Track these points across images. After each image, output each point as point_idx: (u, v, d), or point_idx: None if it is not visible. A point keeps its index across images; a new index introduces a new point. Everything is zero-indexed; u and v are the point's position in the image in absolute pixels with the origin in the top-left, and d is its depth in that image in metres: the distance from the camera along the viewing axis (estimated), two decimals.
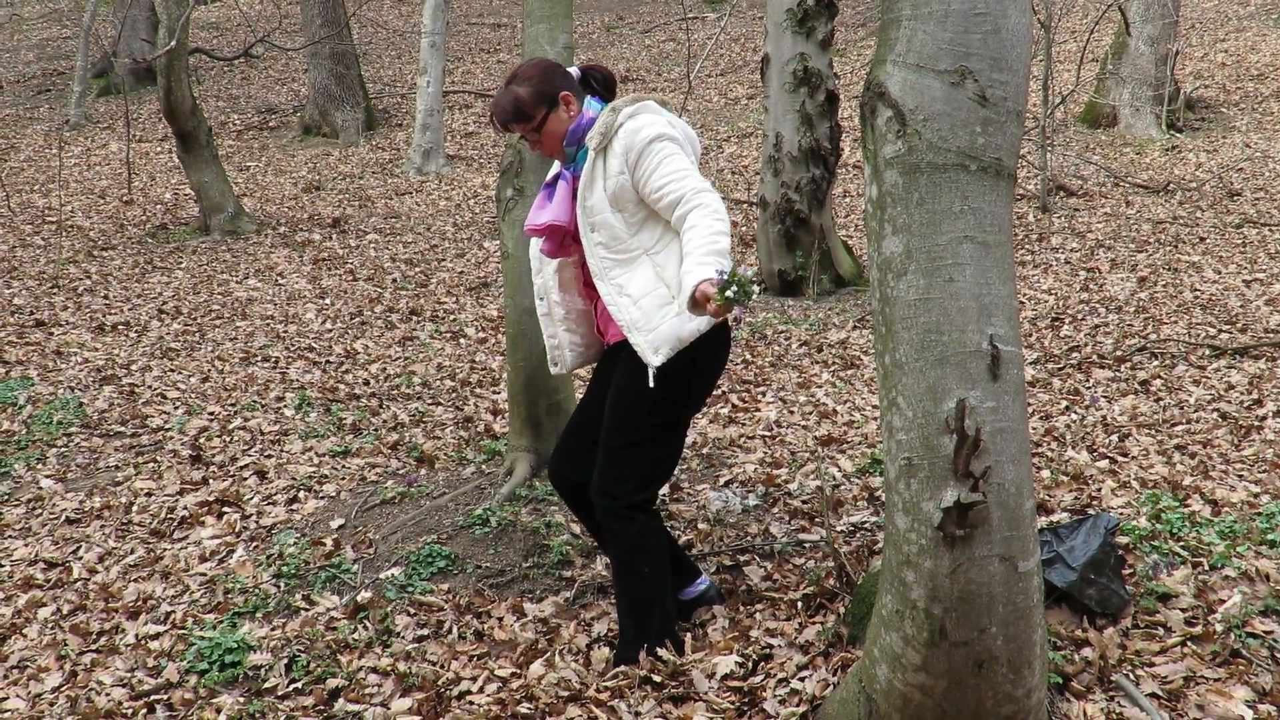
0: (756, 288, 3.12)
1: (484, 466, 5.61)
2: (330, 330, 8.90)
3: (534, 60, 3.77)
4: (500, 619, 4.18)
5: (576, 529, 4.75)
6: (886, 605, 2.84)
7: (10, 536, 5.42)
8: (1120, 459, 5.25)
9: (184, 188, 14.51)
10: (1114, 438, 5.54)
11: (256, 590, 4.59)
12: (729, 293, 3.05)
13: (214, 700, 3.87)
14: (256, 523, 5.24)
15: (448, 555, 4.66)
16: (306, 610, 4.41)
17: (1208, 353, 6.89)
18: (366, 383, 7.42)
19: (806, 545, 4.54)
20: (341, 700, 3.79)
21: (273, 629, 4.28)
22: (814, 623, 3.87)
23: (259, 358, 8.16)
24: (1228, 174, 12.49)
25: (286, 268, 11.19)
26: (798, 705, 3.40)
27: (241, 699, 3.87)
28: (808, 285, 9.14)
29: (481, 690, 3.72)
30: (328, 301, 9.83)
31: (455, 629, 4.14)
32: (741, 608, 4.09)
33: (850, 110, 15.35)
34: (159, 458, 6.19)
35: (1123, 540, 4.08)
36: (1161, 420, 5.77)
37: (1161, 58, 14.65)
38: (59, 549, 5.23)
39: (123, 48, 20.43)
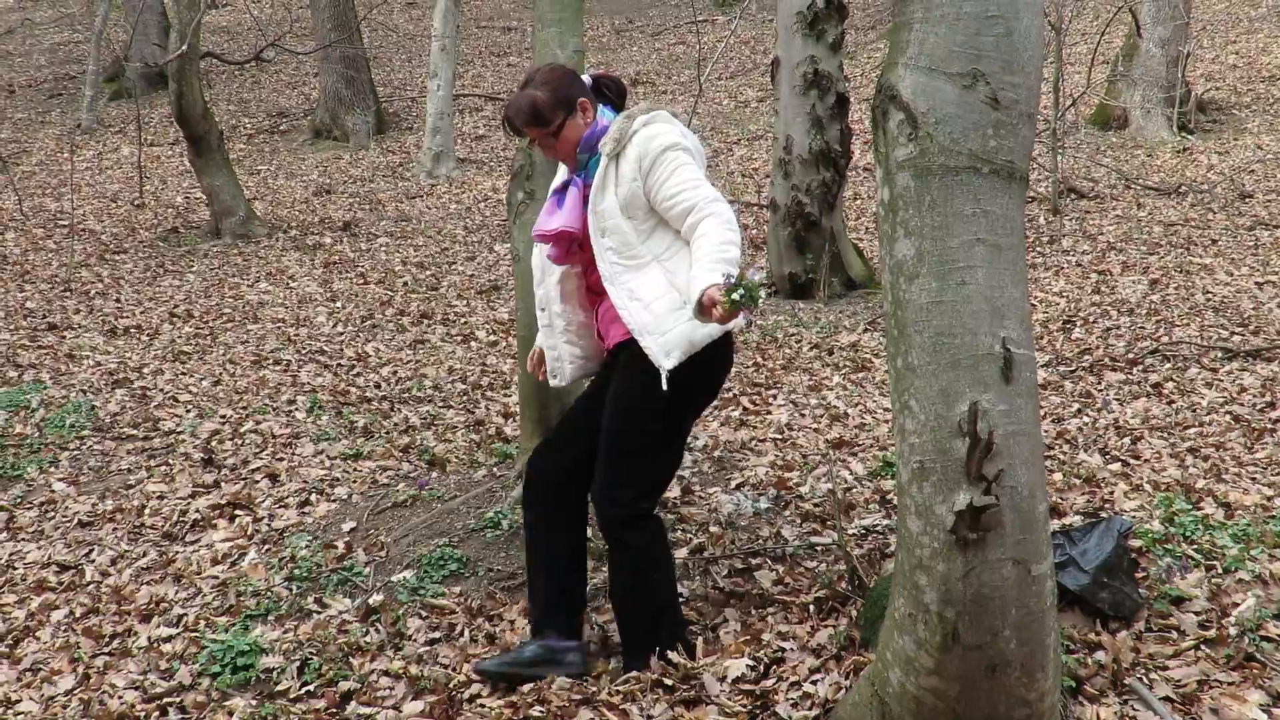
0: (765, 291, 3.10)
1: (495, 469, 5.61)
2: (341, 333, 8.91)
3: (551, 65, 3.78)
4: (512, 622, 4.18)
5: (589, 532, 4.74)
6: (899, 609, 2.83)
7: (23, 539, 5.43)
8: (1133, 462, 5.24)
9: (195, 191, 14.54)
10: (1126, 440, 5.52)
11: (269, 593, 4.59)
12: (735, 296, 3.06)
13: (226, 703, 3.88)
14: (268, 526, 5.25)
15: (459, 558, 4.66)
16: (318, 613, 4.41)
17: (1220, 355, 6.87)
18: (378, 386, 7.43)
19: (818, 548, 4.53)
20: (354, 703, 3.79)
21: (285, 632, 4.29)
22: (826, 626, 3.87)
23: (270, 361, 8.17)
24: (1239, 176, 12.46)
25: (297, 271, 11.21)
26: (810, 709, 3.40)
27: (254, 702, 3.88)
28: (818, 288, 9.14)
29: (493, 694, 3.72)
30: (339, 305, 9.84)
31: (467, 632, 4.15)
32: (753, 611, 4.09)
33: (860, 113, 15.34)
34: (171, 461, 6.20)
35: (1136, 543, 4.07)
36: (1174, 423, 5.76)
37: (1172, 59, 14.63)
38: (71, 552, 5.24)
39: (134, 52, 20.52)
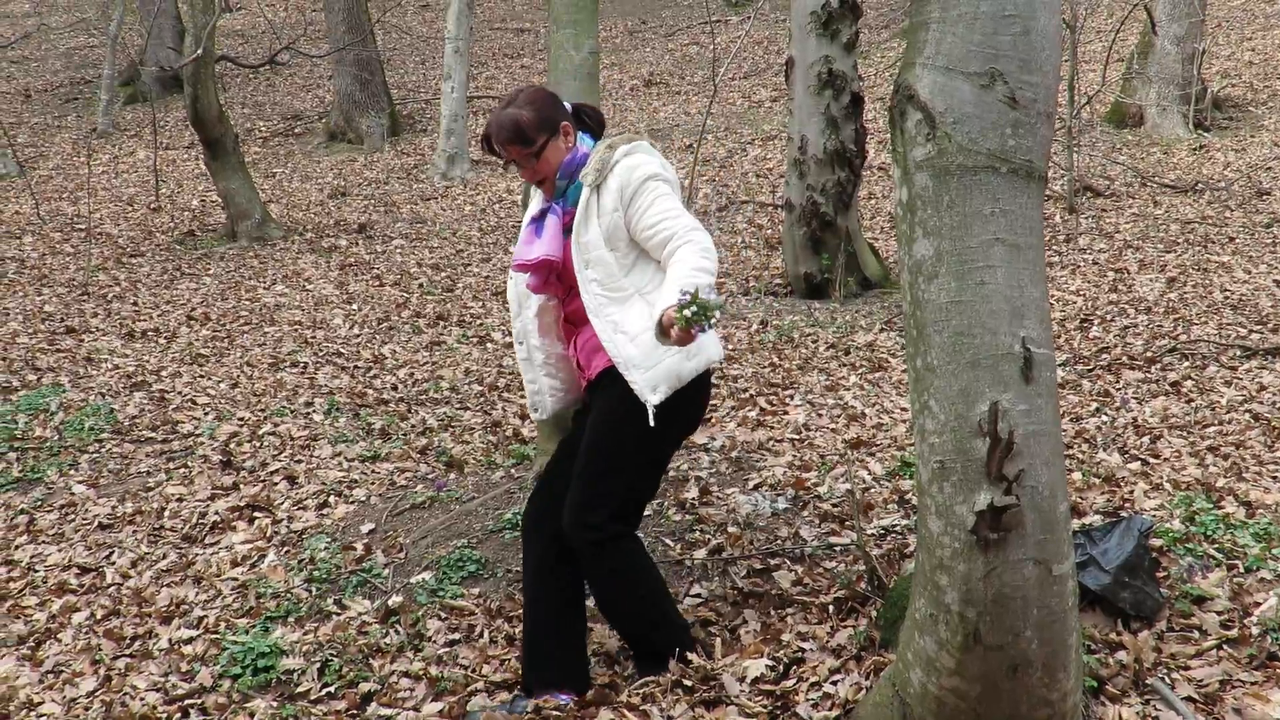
0: (719, 313, 3.06)
1: (513, 470, 5.62)
2: (358, 335, 8.93)
3: (534, 87, 3.72)
4: None
5: None
6: (920, 609, 2.83)
7: (44, 542, 5.45)
8: (1152, 461, 5.22)
9: (211, 194, 14.58)
10: (1145, 439, 5.51)
11: (288, 595, 4.61)
12: (687, 313, 3.03)
13: (247, 705, 3.89)
14: (287, 528, 5.27)
15: (478, 559, 4.67)
16: (338, 615, 4.42)
17: (1239, 353, 6.84)
18: (394, 388, 7.45)
19: (837, 549, 4.53)
20: (374, 704, 3.81)
21: (305, 633, 4.30)
22: (846, 626, 3.87)
23: (287, 363, 8.19)
24: (1256, 173, 12.41)
25: (313, 273, 11.24)
26: (830, 709, 3.39)
27: (274, 703, 3.89)
28: (834, 288, 9.12)
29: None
30: (355, 307, 9.86)
31: (486, 633, 4.15)
32: (773, 611, 4.09)
33: (875, 112, 15.32)
34: (190, 463, 6.22)
35: (1156, 543, 4.06)
36: (1193, 421, 5.74)
37: (1188, 57, 14.57)
38: (92, 554, 5.27)
39: (149, 56, 20.59)
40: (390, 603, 4.43)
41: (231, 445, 6.43)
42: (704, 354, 3.49)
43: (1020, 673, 2.71)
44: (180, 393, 7.53)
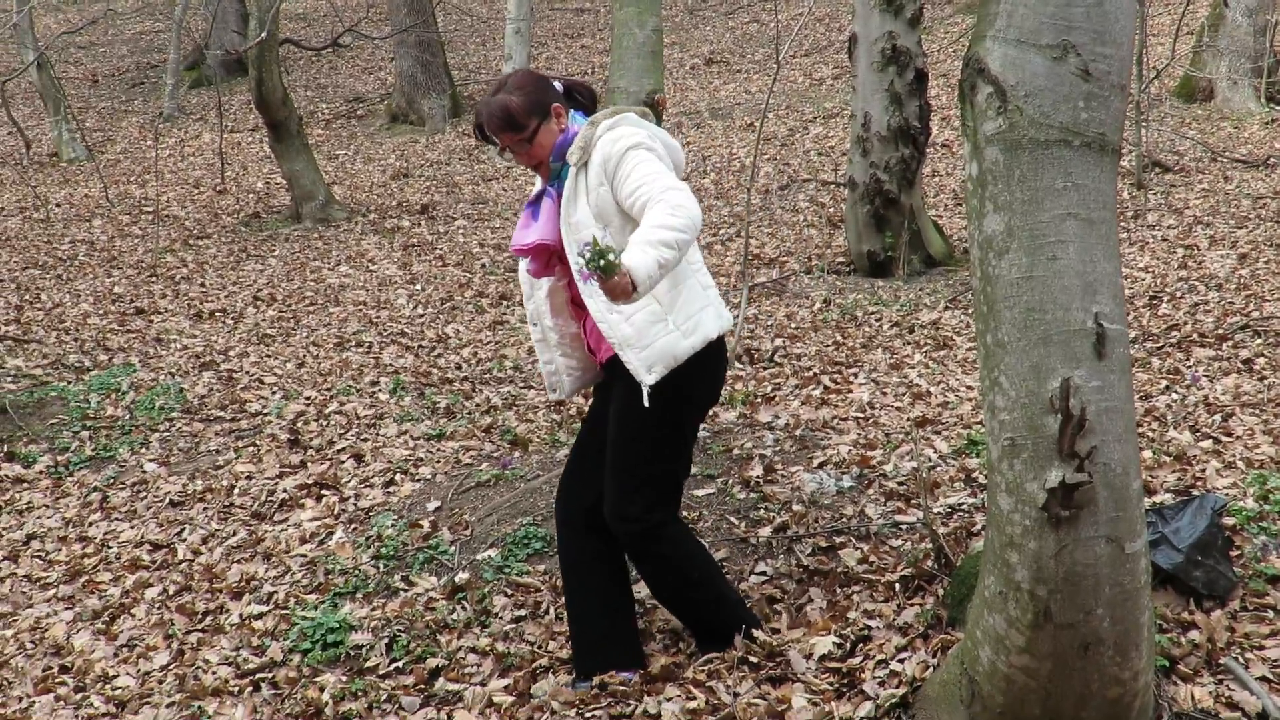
0: (606, 262, 2.88)
1: None
2: (422, 315, 8.99)
3: (524, 70, 3.66)
4: None
5: None
6: (989, 587, 2.81)
7: (117, 519, 5.55)
8: (1224, 439, 5.15)
9: (275, 177, 14.72)
10: (1217, 417, 5.43)
11: (356, 571, 4.66)
12: (585, 254, 2.88)
13: (317, 679, 3.94)
14: (354, 505, 5.32)
15: (543, 537, 4.69)
16: (406, 591, 4.47)
17: None
18: (459, 367, 7.49)
19: (903, 527, 4.51)
20: (441, 679, 3.84)
21: (373, 609, 4.35)
22: (912, 604, 3.85)
23: (353, 343, 8.26)
24: None
25: (377, 254, 11.32)
26: (897, 687, 3.38)
27: (344, 678, 3.94)
28: (898, 266, 9.06)
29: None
30: (418, 287, 9.93)
31: (552, 610, 4.17)
32: (838, 589, 4.08)
33: (939, 89, 15.18)
34: (258, 442, 6.30)
35: (1229, 521, 4.00)
36: (1266, 399, 5.65)
37: (1260, 29, 14.29)
38: (164, 531, 5.35)
39: (214, 40, 20.77)
40: (457, 579, 4.47)
41: (299, 424, 6.50)
42: (700, 331, 3.41)
43: (1092, 651, 2.69)
44: (248, 372, 7.63)
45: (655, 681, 3.59)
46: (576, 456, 3.78)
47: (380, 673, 3.95)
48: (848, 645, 3.66)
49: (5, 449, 6.47)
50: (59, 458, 6.35)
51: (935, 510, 4.55)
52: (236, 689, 3.95)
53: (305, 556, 4.87)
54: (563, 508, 3.75)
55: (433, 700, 3.76)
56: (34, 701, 4.02)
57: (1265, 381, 5.95)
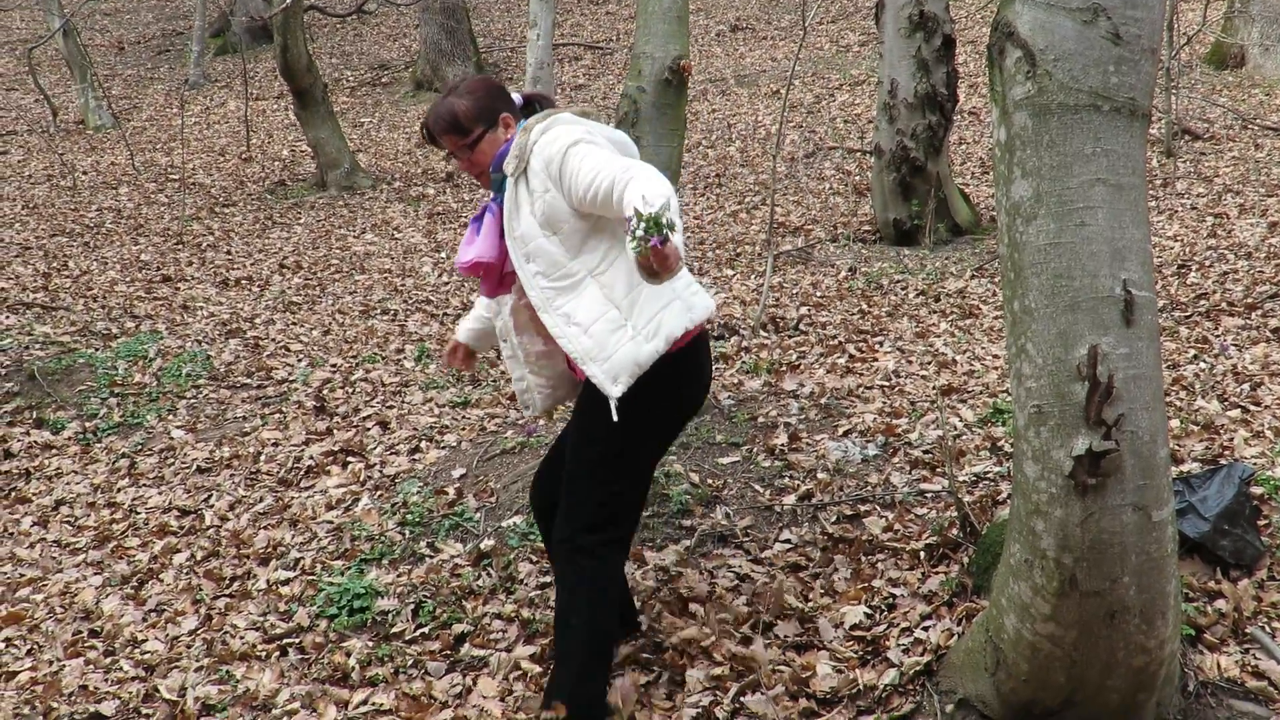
0: (671, 216, 2.68)
1: None
2: (446, 283, 9.00)
3: (480, 76, 3.50)
4: None
5: (695, 478, 4.76)
6: (1015, 555, 2.80)
7: (145, 485, 5.59)
8: (1253, 408, 5.11)
9: (301, 144, 14.73)
10: (1245, 387, 5.39)
11: (382, 538, 4.68)
12: (638, 234, 2.66)
13: (344, 644, 3.96)
14: (380, 472, 5.34)
15: None
16: (431, 557, 4.48)
17: None
18: None
19: (928, 495, 4.50)
20: (467, 645, 3.86)
21: (399, 575, 4.37)
22: (937, 573, 3.85)
23: (378, 311, 8.28)
24: None
25: (402, 222, 11.32)
26: (922, 654, 3.39)
27: (370, 643, 3.96)
28: (924, 234, 9.02)
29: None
30: (443, 255, 9.93)
31: None
32: (863, 558, 4.07)
33: (966, 55, 15.05)
34: (284, 409, 6.33)
35: (1257, 491, 3.98)
36: None
37: None
38: (191, 497, 5.38)
39: (239, 7, 20.77)
40: (482, 546, 4.48)
41: (325, 391, 6.53)
42: (663, 332, 3.13)
43: (1118, 619, 2.68)
44: (274, 340, 7.65)
45: (688, 647, 3.60)
46: (549, 459, 3.62)
47: (406, 638, 3.97)
48: (876, 614, 3.66)
49: (34, 415, 6.52)
50: (87, 424, 6.39)
51: (960, 479, 4.54)
52: (264, 653, 3.98)
53: (331, 523, 4.90)
54: (537, 503, 3.63)
55: (458, 666, 3.78)
56: (64, 665, 4.06)
57: None
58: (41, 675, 4.01)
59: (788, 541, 4.30)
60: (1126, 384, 2.57)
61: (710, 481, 4.76)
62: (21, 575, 4.83)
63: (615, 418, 3.12)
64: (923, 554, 4.00)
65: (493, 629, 3.94)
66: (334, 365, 6.99)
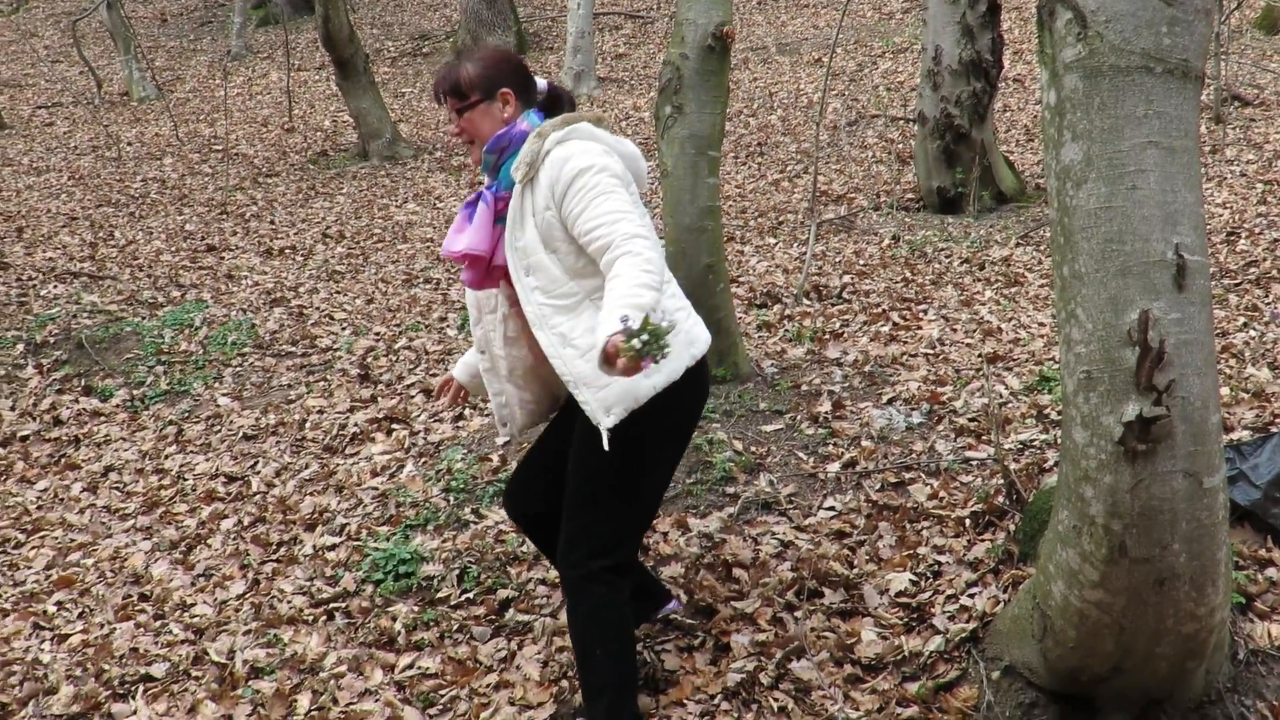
0: (670, 339, 2.65)
1: None
2: None
3: (502, 50, 3.31)
4: (665, 534, 4.22)
5: (739, 446, 4.76)
6: (1063, 521, 2.79)
7: (192, 452, 5.64)
8: None
9: (343, 115, 14.77)
10: None
11: (427, 504, 4.70)
12: (636, 343, 2.56)
13: (389, 609, 3.99)
14: (424, 439, 5.37)
15: None
16: (476, 524, 4.51)
17: None
18: None
19: (973, 463, 4.48)
20: (512, 610, 3.88)
21: (444, 541, 4.39)
22: (983, 540, 3.83)
23: (420, 279, 8.30)
24: None
25: (443, 191, 11.34)
26: (967, 621, 3.38)
27: (415, 608, 3.99)
28: (968, 202, 8.95)
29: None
30: None
31: None
32: (908, 525, 4.06)
33: (1011, 21, 14.89)
34: (329, 376, 6.37)
35: None
36: None
37: None
38: (238, 464, 5.43)
39: None
40: None
41: (368, 359, 6.56)
42: (667, 367, 3.00)
43: (1167, 586, 2.66)
44: (318, 308, 7.69)
45: (734, 618, 3.60)
46: (525, 466, 3.49)
47: (451, 603, 3.99)
48: (922, 581, 3.66)
49: (83, 383, 6.59)
50: (135, 392, 6.46)
51: (1006, 446, 4.52)
52: (311, 618, 4.02)
53: (376, 489, 4.93)
54: (516, 513, 3.49)
55: (503, 631, 3.80)
56: (115, 628, 4.11)
57: None
58: (93, 638, 4.06)
59: (832, 509, 4.29)
60: (1178, 349, 2.54)
61: (754, 449, 4.76)
62: (72, 540, 4.90)
63: (606, 448, 2.96)
64: (968, 521, 3.99)
65: (537, 594, 3.96)
66: (377, 333, 7.02)
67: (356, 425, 5.62)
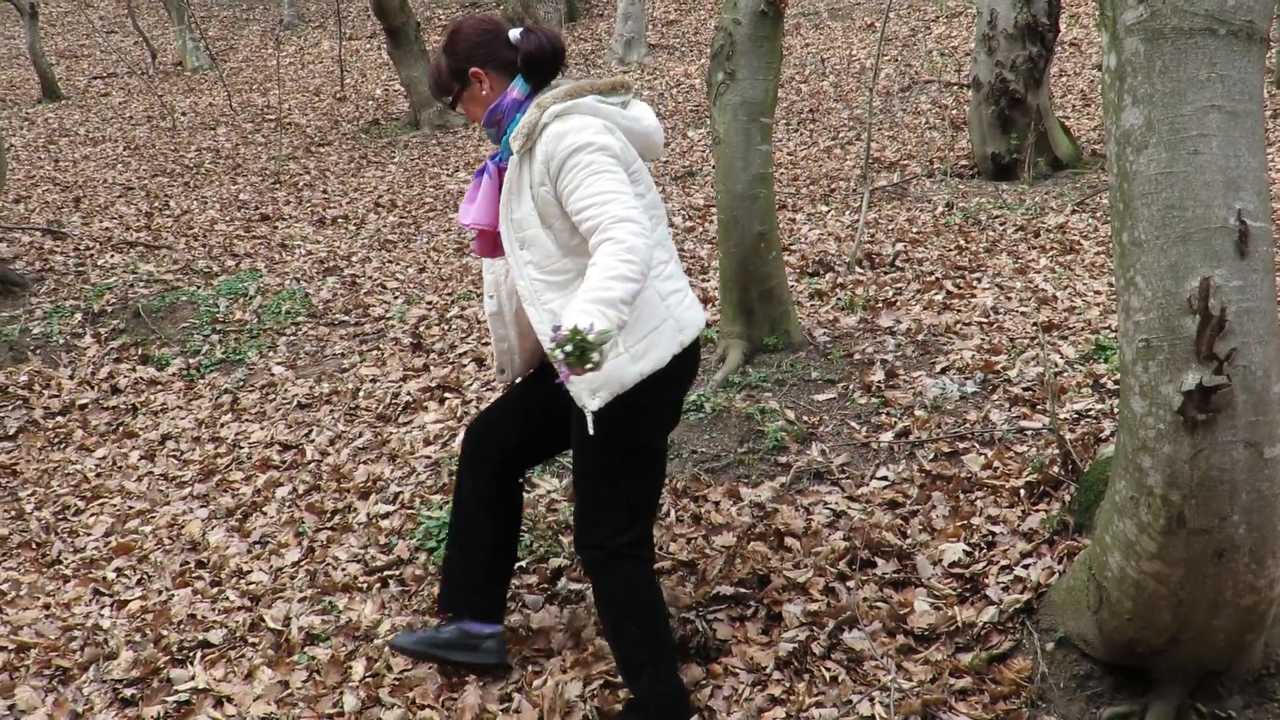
0: (599, 355, 2.53)
1: None
2: None
3: (460, 24, 3.17)
4: (717, 503, 4.22)
5: (791, 415, 4.74)
6: (1120, 491, 2.75)
7: (247, 420, 5.69)
8: None
9: (394, 83, 14.81)
10: None
11: None
12: (558, 353, 2.50)
13: None
14: (476, 408, 5.38)
15: None
16: (528, 492, 4.51)
17: None
18: None
19: (1028, 433, 4.44)
20: (564, 579, 3.89)
21: None
22: (1037, 510, 3.80)
23: (472, 248, 8.31)
24: None
25: None
26: (1021, 592, 3.36)
27: None
28: (1023, 168, 8.85)
29: (703, 573, 3.77)
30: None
31: (673, 512, 4.20)
32: (961, 495, 4.03)
33: None
34: (382, 345, 6.40)
35: None
36: None
37: None
38: (292, 432, 5.47)
39: None
40: None
41: (420, 328, 6.58)
42: (653, 353, 2.98)
43: (1226, 558, 2.62)
44: (370, 277, 7.73)
45: (783, 591, 3.60)
46: (495, 409, 3.46)
47: None
48: (974, 551, 3.63)
49: (140, 352, 6.66)
50: (191, 360, 6.52)
51: (1062, 416, 4.47)
52: (365, 585, 4.05)
53: (429, 458, 4.95)
54: (473, 447, 3.41)
55: (555, 599, 3.81)
56: (173, 594, 4.16)
57: None
58: (151, 604, 4.12)
59: (885, 478, 4.27)
60: (1239, 318, 2.49)
61: (806, 418, 4.74)
62: (130, 507, 4.96)
63: (591, 431, 2.94)
64: (1023, 491, 3.95)
65: None
66: (429, 302, 7.05)
67: (409, 394, 5.64)
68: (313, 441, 5.35)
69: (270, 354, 6.50)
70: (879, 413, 4.75)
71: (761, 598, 3.58)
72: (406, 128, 13.05)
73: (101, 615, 4.08)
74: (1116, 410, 4.25)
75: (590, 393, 2.92)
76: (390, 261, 8.13)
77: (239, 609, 4.02)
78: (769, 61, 5.15)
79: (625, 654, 3.16)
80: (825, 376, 5.09)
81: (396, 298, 7.24)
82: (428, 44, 14.99)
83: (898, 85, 12.43)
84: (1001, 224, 7.66)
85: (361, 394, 5.78)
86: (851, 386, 5.00)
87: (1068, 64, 12.33)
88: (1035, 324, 5.56)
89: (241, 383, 6.15)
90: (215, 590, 4.17)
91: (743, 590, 3.61)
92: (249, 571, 4.29)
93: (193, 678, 3.61)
